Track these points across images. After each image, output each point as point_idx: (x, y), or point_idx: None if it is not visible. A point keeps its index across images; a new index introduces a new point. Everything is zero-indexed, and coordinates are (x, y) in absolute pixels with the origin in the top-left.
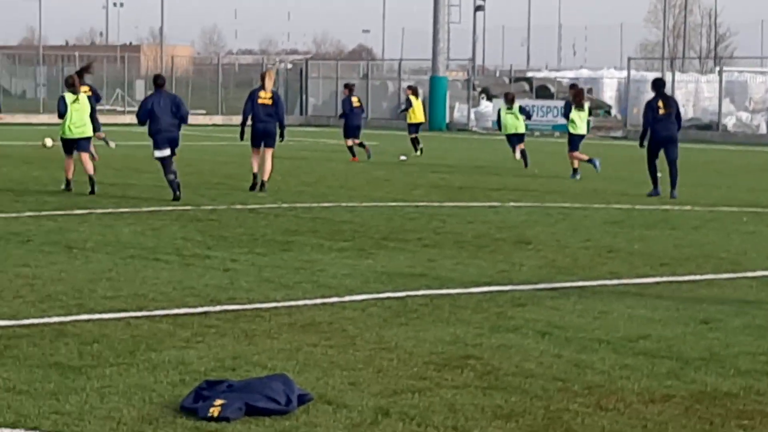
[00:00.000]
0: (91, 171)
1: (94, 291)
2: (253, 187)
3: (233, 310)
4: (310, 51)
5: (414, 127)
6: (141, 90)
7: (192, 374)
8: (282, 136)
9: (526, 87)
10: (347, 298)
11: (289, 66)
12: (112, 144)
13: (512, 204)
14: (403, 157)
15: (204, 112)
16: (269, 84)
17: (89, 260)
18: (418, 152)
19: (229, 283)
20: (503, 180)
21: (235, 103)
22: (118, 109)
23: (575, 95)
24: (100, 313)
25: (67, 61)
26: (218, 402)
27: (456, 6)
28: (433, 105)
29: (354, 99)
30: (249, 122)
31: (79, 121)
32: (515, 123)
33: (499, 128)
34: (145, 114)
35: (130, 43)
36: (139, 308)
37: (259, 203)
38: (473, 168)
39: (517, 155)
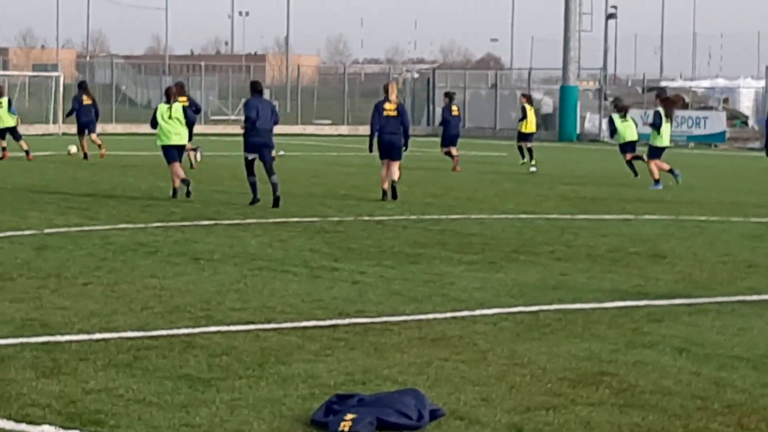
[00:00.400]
0: (182, 175)
1: (222, 303)
2: (384, 197)
3: (362, 323)
4: (437, 60)
5: (526, 137)
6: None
7: (322, 388)
8: (406, 146)
9: None
10: (478, 312)
11: (416, 75)
12: (199, 155)
13: (646, 217)
14: (533, 169)
15: (329, 122)
16: (393, 96)
17: (217, 271)
18: (529, 161)
19: (358, 295)
20: (636, 192)
21: (360, 113)
22: (243, 118)
23: (669, 105)
24: (229, 325)
25: (192, 71)
26: (349, 416)
27: (588, 14)
28: (563, 115)
29: (454, 108)
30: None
31: (174, 129)
32: (629, 132)
33: (611, 137)
34: (255, 114)
35: (256, 53)
36: (267, 320)
37: (386, 215)
38: (605, 179)
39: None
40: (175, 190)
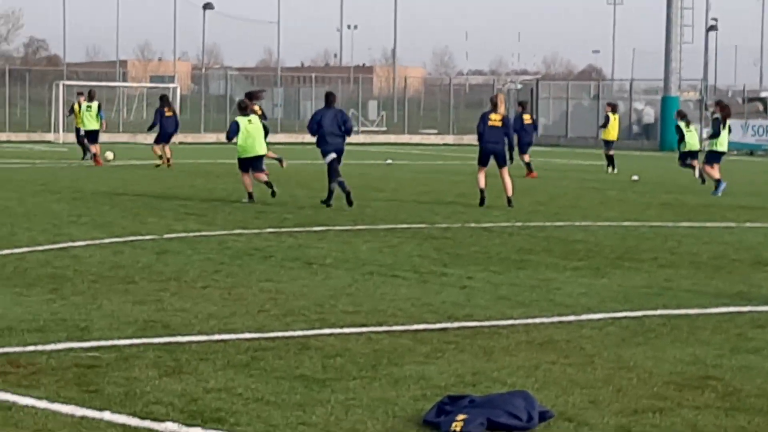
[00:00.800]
0: (265, 179)
1: (335, 306)
2: (482, 203)
3: (471, 327)
4: (539, 71)
5: (608, 144)
6: (374, 110)
7: (433, 389)
8: (511, 158)
9: (760, 107)
10: (584, 317)
11: (519, 86)
12: (284, 164)
13: (748, 224)
14: (635, 177)
15: (435, 131)
16: (501, 107)
17: (329, 276)
18: (614, 170)
19: (466, 300)
20: (737, 200)
21: (465, 123)
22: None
23: (727, 113)
24: (342, 327)
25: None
26: (461, 417)
27: (689, 26)
28: (665, 125)
29: (526, 116)
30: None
31: (253, 141)
32: (695, 141)
33: (678, 146)
34: (315, 126)
35: (364, 65)
36: (379, 323)
37: (492, 222)
38: (706, 188)
39: (696, 173)
40: (250, 195)
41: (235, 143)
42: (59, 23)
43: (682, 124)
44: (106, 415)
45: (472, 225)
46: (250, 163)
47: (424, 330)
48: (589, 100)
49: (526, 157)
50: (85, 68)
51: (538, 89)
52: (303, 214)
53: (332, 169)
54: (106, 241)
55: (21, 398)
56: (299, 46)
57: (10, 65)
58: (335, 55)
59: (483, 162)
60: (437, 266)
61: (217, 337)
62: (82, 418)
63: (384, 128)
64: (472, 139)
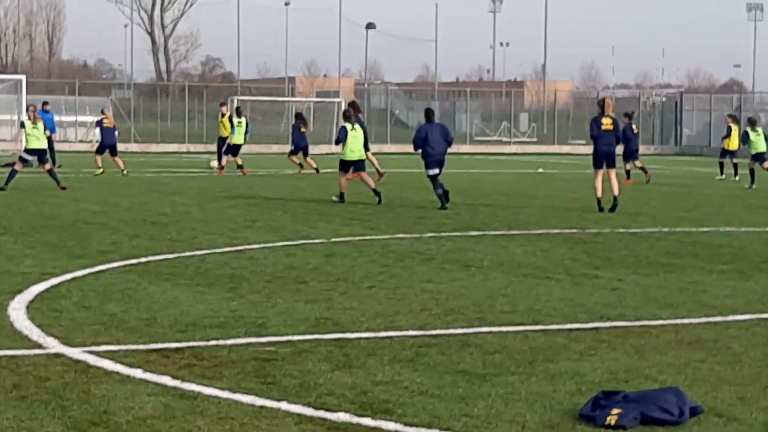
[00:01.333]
0: (372, 185)
1: (493, 306)
2: (600, 208)
3: (622, 327)
4: (682, 85)
5: (730, 153)
6: (525, 122)
7: (587, 384)
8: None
9: None
10: (730, 318)
11: (664, 99)
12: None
13: None
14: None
15: (583, 142)
16: (609, 111)
17: (486, 278)
18: (724, 177)
19: (617, 301)
20: None
21: None
22: (504, 139)
23: (753, 120)
24: (500, 326)
25: (458, 96)
26: (615, 411)
27: None
28: None
29: (634, 126)
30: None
31: (355, 146)
32: (761, 144)
33: (737, 147)
34: (420, 141)
35: (515, 79)
36: (534, 322)
37: (640, 227)
38: None
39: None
40: (341, 195)
41: (341, 148)
42: (234, 43)
43: (749, 130)
44: (283, 405)
45: (621, 230)
46: (351, 165)
47: (578, 329)
48: (731, 112)
49: (638, 163)
50: (257, 84)
51: (682, 102)
52: (460, 219)
53: (435, 181)
54: (279, 244)
55: (205, 388)
56: (455, 62)
57: (189, 82)
58: (488, 71)
59: (599, 164)
60: (588, 269)
61: (383, 334)
62: (261, 407)
63: (534, 139)
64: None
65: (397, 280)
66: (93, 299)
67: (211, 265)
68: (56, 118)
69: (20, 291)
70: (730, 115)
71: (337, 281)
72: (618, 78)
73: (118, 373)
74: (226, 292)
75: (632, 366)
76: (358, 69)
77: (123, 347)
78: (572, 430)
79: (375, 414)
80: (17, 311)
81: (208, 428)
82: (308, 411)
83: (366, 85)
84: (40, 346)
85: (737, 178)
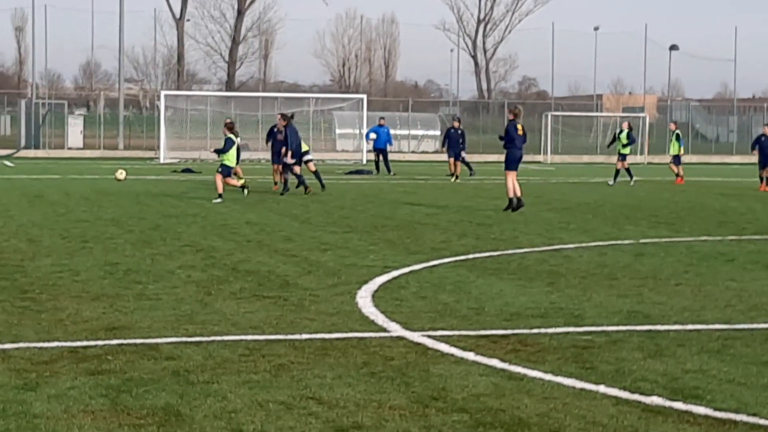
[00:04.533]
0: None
1: None
2: None
3: None
4: None
5: None
6: None
7: None
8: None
9: None
10: None
11: None
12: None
13: None
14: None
15: None
16: None
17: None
18: None
19: None
20: None
21: None
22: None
23: None
24: None
25: (754, 111)
26: None
27: None
28: None
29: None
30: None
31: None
32: None
33: None
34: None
35: None
36: None
37: None
38: None
39: None
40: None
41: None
42: (548, 64)
43: None
44: (601, 388)
45: None
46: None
47: None
48: None
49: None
50: (568, 101)
51: None
52: (760, 224)
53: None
54: (591, 244)
55: (529, 371)
56: (752, 80)
57: (507, 99)
58: None
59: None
60: None
61: (690, 326)
62: (581, 389)
63: None
64: None
65: (702, 278)
66: (428, 290)
67: (530, 261)
68: (392, 131)
69: (366, 282)
70: None
71: (646, 278)
72: None
73: (453, 355)
74: (545, 286)
75: None
76: (660, 86)
77: (456, 333)
78: None
79: (686, 399)
80: (364, 299)
81: (534, 406)
82: (624, 394)
83: (669, 102)
84: (384, 330)
85: None
